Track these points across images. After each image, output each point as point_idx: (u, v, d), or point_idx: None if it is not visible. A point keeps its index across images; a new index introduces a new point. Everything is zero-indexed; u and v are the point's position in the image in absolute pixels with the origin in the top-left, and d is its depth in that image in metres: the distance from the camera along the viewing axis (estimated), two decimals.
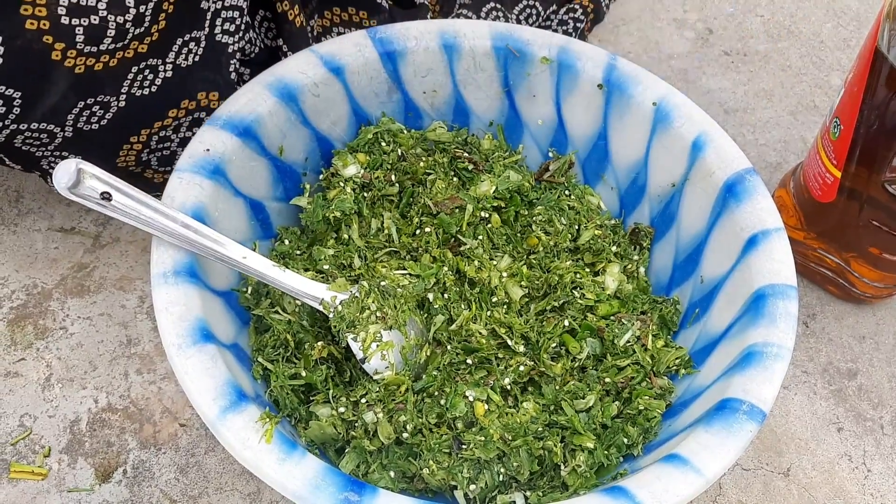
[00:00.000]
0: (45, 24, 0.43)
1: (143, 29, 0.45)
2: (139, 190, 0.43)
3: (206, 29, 0.49)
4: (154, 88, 0.49)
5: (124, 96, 0.48)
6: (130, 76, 0.48)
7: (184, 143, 0.53)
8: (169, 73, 0.49)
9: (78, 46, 0.44)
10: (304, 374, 0.45)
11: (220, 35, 0.50)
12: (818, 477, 0.53)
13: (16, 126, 0.46)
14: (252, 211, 0.50)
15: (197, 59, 0.50)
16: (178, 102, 0.51)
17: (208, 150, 0.47)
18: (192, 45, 0.49)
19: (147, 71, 0.48)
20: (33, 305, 0.55)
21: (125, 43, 0.45)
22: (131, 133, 0.51)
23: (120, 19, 0.44)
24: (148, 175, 0.55)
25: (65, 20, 0.43)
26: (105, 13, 0.44)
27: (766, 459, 0.54)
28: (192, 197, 0.45)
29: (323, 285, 0.46)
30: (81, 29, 0.43)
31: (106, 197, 0.42)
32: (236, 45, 0.51)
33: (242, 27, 0.51)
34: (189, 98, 0.51)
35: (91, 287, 0.56)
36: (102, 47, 0.45)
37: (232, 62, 0.52)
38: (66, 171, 0.41)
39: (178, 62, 0.49)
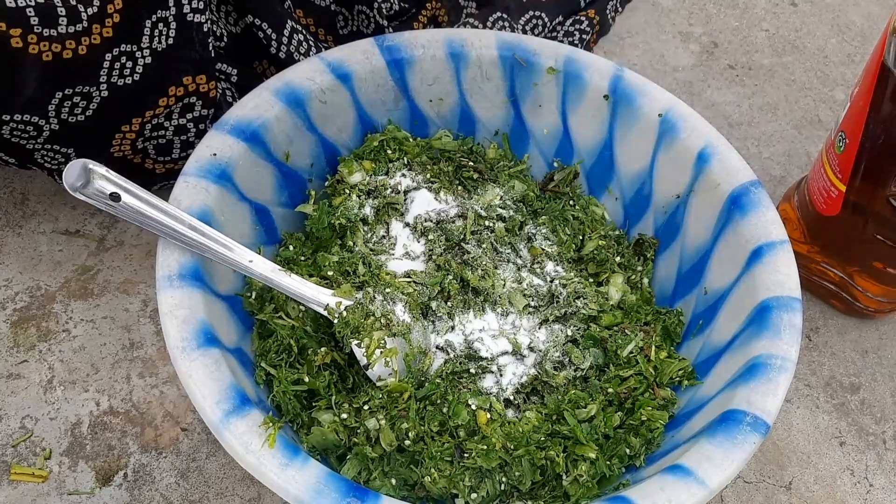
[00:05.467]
0: None
1: (95, 8, 0.45)
2: (147, 191, 0.43)
3: (173, 8, 0.49)
4: (137, 77, 0.49)
5: (105, 86, 0.48)
6: (106, 64, 0.48)
7: (178, 130, 0.54)
8: (148, 59, 0.49)
9: (36, 30, 0.44)
10: (306, 379, 0.45)
11: (191, 14, 0.50)
12: (820, 491, 0.53)
13: None
14: (257, 216, 0.50)
15: (171, 40, 0.49)
16: (165, 90, 0.51)
17: (215, 154, 0.47)
18: (161, 26, 0.48)
19: (124, 58, 0.48)
20: (37, 308, 0.55)
21: (85, 26, 0.45)
22: (122, 122, 0.51)
23: None
24: (148, 165, 0.55)
25: (10, 2, 0.43)
26: None
27: (768, 473, 0.53)
28: (199, 201, 0.45)
29: (328, 291, 0.46)
30: (32, 10, 0.43)
31: (114, 198, 0.42)
32: (208, 23, 0.51)
33: (212, 6, 0.51)
34: (175, 84, 0.51)
35: (94, 290, 0.56)
36: (62, 30, 0.45)
37: (209, 41, 0.52)
38: (75, 171, 0.41)
39: (153, 46, 0.49)
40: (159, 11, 0.48)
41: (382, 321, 0.46)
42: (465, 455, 0.44)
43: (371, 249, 0.51)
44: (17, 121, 0.47)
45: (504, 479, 0.44)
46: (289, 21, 0.58)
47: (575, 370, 0.49)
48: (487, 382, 0.47)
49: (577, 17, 0.73)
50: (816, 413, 0.56)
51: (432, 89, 0.55)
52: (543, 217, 0.54)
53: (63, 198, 0.60)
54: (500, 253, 0.52)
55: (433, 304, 0.49)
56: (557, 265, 0.52)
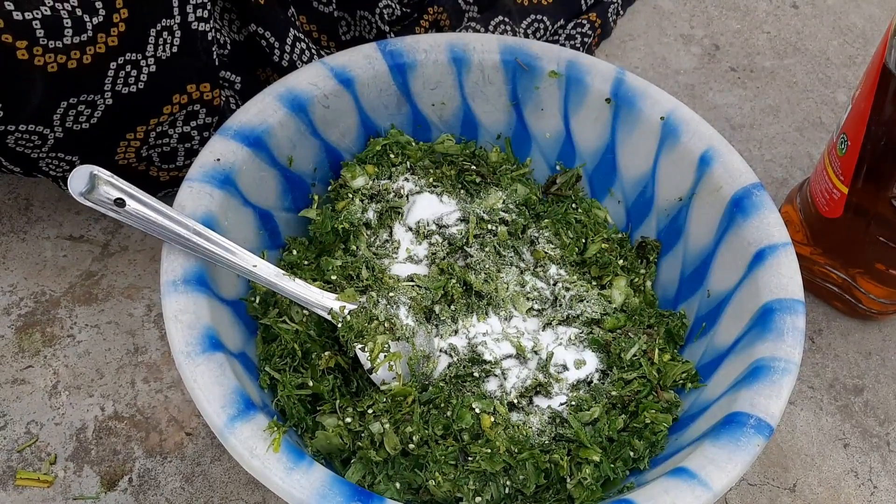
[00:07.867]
0: None
1: (101, 18, 0.45)
2: (152, 197, 0.43)
3: (178, 17, 0.49)
4: (141, 85, 0.50)
5: (109, 94, 0.49)
6: (111, 73, 0.48)
7: (182, 138, 0.54)
8: (153, 68, 0.49)
9: (42, 42, 0.44)
10: (311, 383, 0.45)
11: (196, 23, 0.50)
12: (824, 493, 0.53)
13: (3, 127, 0.47)
14: (261, 221, 0.50)
15: (175, 49, 0.50)
16: (169, 97, 0.51)
17: (219, 159, 0.47)
18: (165, 34, 0.49)
19: (129, 67, 0.48)
20: (41, 313, 0.55)
21: (90, 35, 0.45)
22: (126, 130, 0.51)
23: (68, 6, 0.44)
24: (153, 173, 0.55)
25: (17, 15, 0.43)
26: (52, 2, 0.44)
27: (773, 475, 0.53)
28: (203, 206, 0.45)
29: (332, 295, 0.47)
30: (38, 23, 0.44)
31: (119, 203, 0.42)
32: (212, 31, 0.51)
33: (216, 14, 0.51)
34: (179, 92, 0.51)
35: (99, 295, 0.56)
36: (67, 41, 0.45)
37: (213, 49, 0.52)
38: (80, 177, 0.42)
39: (157, 54, 0.49)
40: (164, 20, 0.48)
41: (386, 325, 0.46)
42: (470, 458, 0.44)
43: (374, 253, 0.51)
44: (21, 130, 0.47)
45: (508, 483, 0.44)
46: (291, 29, 0.58)
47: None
48: (491, 386, 0.48)
49: (579, 21, 0.73)
50: (820, 415, 0.56)
51: (435, 93, 0.55)
52: (546, 220, 0.54)
53: (67, 203, 0.60)
54: (503, 256, 0.52)
55: (436, 308, 0.49)
56: (560, 268, 0.52)
